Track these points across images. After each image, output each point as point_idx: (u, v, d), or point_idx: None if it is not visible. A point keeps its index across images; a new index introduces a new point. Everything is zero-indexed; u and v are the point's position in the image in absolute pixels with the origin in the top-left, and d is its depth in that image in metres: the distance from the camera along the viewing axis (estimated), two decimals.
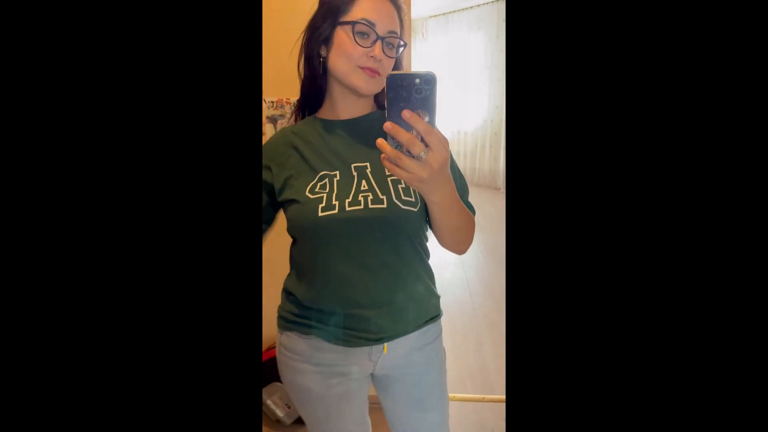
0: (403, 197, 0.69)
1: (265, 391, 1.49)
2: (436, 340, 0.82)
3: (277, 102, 1.34)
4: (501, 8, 4.13)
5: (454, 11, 4.43)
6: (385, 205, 0.68)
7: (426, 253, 0.78)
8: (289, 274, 0.80)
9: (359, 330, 0.72)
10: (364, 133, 0.75)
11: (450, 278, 2.62)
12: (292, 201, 0.70)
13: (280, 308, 0.80)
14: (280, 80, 1.27)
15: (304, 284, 0.75)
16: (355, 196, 0.68)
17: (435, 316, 0.81)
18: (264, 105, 1.35)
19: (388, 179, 0.71)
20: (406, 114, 0.50)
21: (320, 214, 0.67)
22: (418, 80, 0.50)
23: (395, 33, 0.69)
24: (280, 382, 1.49)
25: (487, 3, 4.22)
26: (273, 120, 1.36)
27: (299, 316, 0.76)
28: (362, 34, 0.68)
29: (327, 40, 0.71)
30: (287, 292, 0.78)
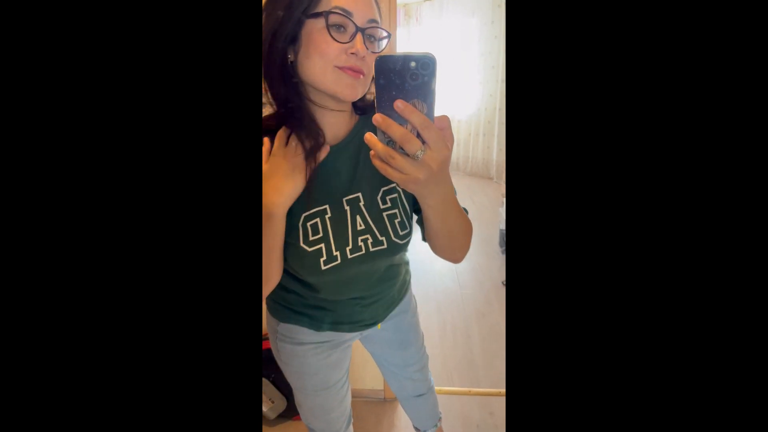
0: (400, 232, 0.68)
1: None
2: (407, 294, 0.91)
3: None
4: None
5: None
6: (385, 246, 0.68)
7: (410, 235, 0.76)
8: (288, 273, 0.73)
9: (355, 321, 0.80)
10: (353, 156, 0.67)
11: (440, 269, 2.60)
12: (287, 243, 0.64)
13: (279, 299, 0.79)
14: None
15: (304, 289, 0.75)
16: (355, 241, 0.65)
17: (409, 283, 0.91)
18: None
19: (383, 213, 0.67)
20: (400, 105, 0.41)
21: (323, 267, 0.64)
22: (413, 64, 0.41)
23: (376, 22, 0.58)
24: (264, 377, 1.48)
25: None
26: None
27: (298, 313, 0.78)
28: (338, 26, 0.55)
29: (294, 39, 0.56)
30: (288, 289, 0.77)
